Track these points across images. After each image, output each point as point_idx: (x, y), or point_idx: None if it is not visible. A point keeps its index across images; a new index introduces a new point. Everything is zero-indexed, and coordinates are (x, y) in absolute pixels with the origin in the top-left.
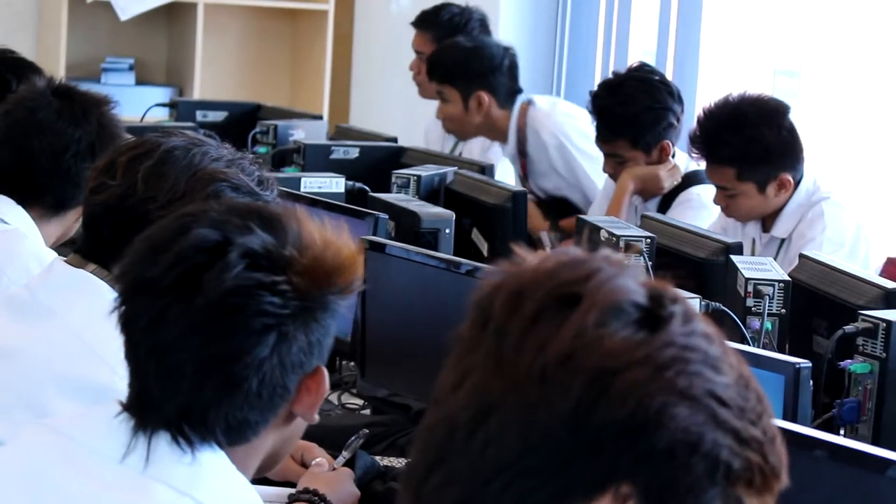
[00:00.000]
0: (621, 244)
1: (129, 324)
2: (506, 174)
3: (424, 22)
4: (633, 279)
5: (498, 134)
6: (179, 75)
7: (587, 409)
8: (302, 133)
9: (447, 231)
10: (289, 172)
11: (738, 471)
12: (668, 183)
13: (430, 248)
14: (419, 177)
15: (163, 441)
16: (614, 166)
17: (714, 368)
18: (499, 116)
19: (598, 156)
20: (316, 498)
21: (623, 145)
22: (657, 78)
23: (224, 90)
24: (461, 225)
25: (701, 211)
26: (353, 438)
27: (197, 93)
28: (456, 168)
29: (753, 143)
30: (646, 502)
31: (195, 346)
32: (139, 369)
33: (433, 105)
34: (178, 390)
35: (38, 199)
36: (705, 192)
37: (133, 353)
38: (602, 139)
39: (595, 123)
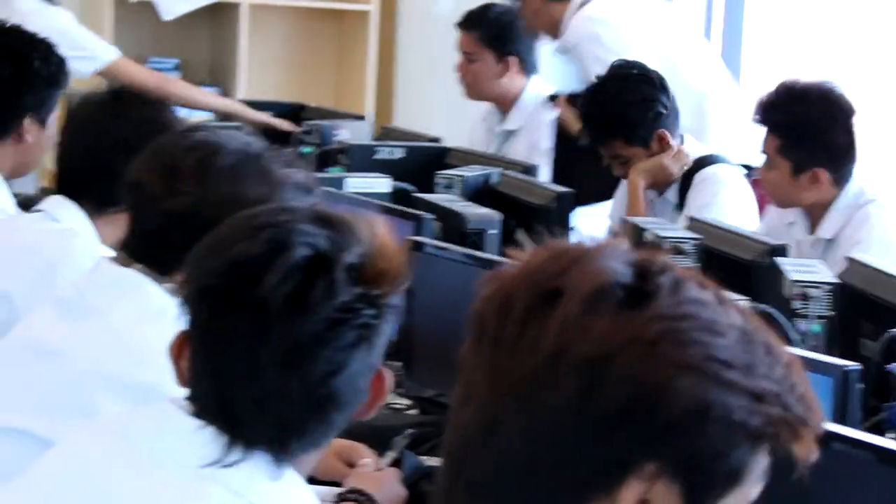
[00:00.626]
0: (666, 246)
1: (222, 341)
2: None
3: (471, 22)
4: (618, 260)
5: (555, 27)
6: (224, 75)
7: (586, 401)
8: (346, 133)
9: (492, 232)
10: (333, 173)
11: (759, 427)
12: (676, 168)
13: (476, 249)
14: (464, 177)
15: (257, 457)
16: (620, 167)
17: (710, 332)
18: (554, 9)
19: (607, 59)
20: (363, 498)
21: (620, 145)
22: (635, 71)
23: (268, 90)
24: (506, 225)
25: (718, 186)
26: (397, 438)
27: (241, 93)
28: (501, 169)
29: (804, 122)
30: (675, 475)
31: (299, 365)
32: (225, 384)
33: (478, 106)
34: (278, 410)
35: (82, 196)
36: (721, 170)
37: (220, 369)
38: (599, 144)
39: (587, 130)
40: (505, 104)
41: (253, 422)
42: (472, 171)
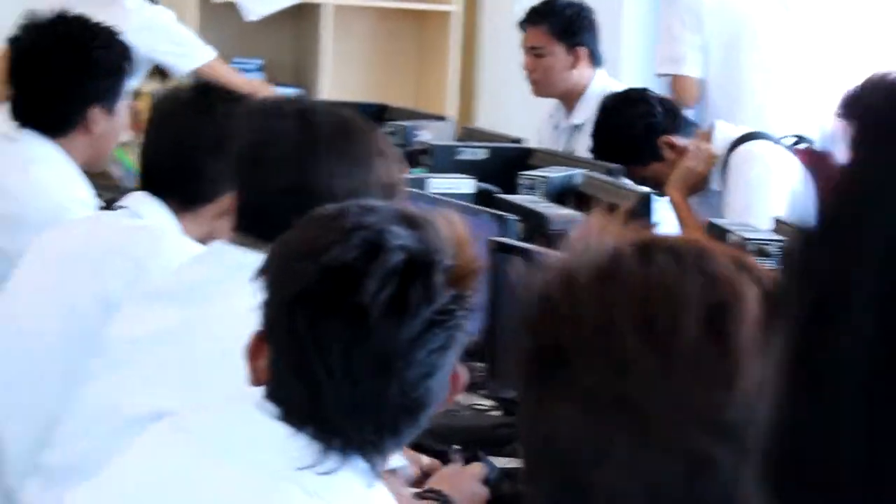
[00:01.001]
0: (752, 248)
1: (318, 347)
2: None
3: (538, 16)
4: (716, 255)
5: None
6: (306, 76)
7: None
8: (428, 134)
9: None
10: (416, 173)
11: None
12: (702, 165)
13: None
14: (547, 178)
15: (353, 462)
16: (657, 188)
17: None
18: None
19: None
20: (441, 498)
21: (638, 170)
22: (615, 99)
23: (350, 91)
24: None
25: (752, 162)
26: (454, 454)
27: (324, 93)
28: (584, 170)
29: None
30: None
31: (397, 369)
32: (321, 389)
33: (552, 105)
34: (375, 414)
35: (167, 193)
36: (755, 147)
37: (315, 375)
38: (624, 175)
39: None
40: (571, 99)
41: (350, 427)
42: (555, 172)
